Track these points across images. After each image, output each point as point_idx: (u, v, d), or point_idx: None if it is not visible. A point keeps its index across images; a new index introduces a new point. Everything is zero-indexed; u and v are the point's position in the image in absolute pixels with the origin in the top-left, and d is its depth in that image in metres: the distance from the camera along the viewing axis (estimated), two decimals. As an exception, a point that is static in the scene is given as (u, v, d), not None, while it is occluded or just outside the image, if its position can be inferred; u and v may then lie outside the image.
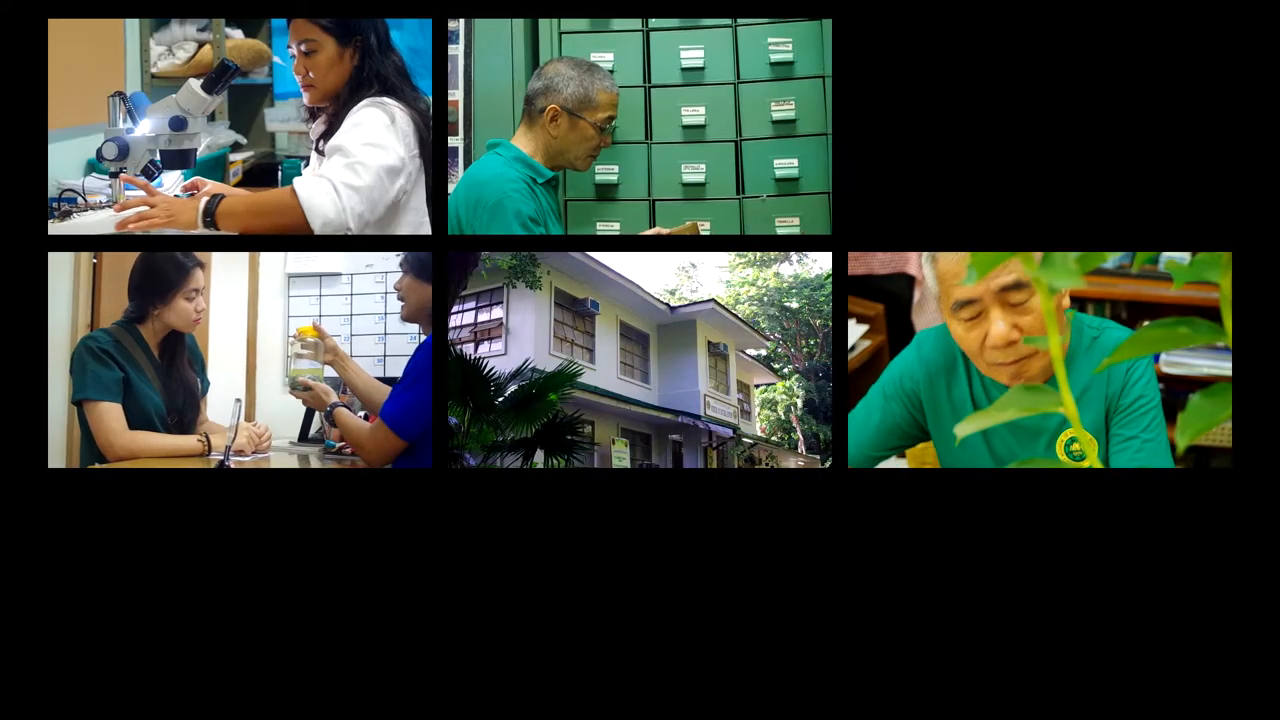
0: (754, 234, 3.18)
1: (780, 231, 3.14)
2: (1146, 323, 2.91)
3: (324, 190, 2.50)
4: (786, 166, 3.14)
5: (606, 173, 3.18)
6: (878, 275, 3.48)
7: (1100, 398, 2.17)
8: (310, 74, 2.69)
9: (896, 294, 3.51)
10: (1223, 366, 3.55)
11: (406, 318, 2.82)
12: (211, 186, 2.91)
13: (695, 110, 3.17)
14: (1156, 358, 3.07)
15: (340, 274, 4.66)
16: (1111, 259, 3.56)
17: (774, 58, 3.13)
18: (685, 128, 3.18)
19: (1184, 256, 2.88)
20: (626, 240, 3.08)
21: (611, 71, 3.01)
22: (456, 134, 3.29)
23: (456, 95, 3.29)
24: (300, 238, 2.51)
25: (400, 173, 2.60)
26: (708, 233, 3.05)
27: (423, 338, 2.84)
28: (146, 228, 2.60)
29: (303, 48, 2.68)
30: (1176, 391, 3.42)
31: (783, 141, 3.16)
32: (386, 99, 2.65)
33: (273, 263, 4.63)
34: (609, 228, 3.18)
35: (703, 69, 3.16)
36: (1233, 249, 2.40)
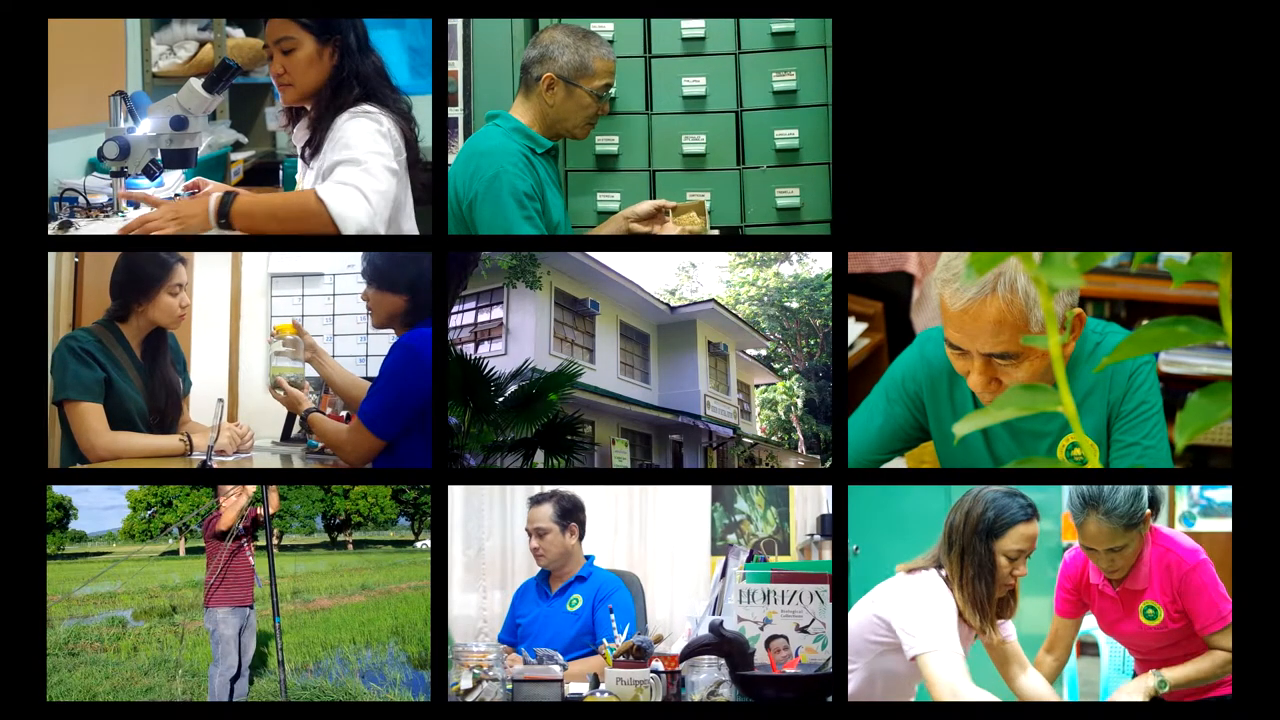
0: (754, 234, 3.18)
1: (780, 203, 3.13)
2: (1146, 321, 2.91)
3: (355, 199, 2.50)
4: (787, 137, 3.13)
5: (606, 143, 3.16)
6: (877, 273, 3.47)
7: (1102, 403, 2.16)
8: (288, 72, 2.66)
9: (895, 292, 3.49)
10: (1222, 365, 3.55)
11: (377, 325, 2.82)
12: (213, 186, 2.91)
13: (696, 80, 3.16)
14: (1156, 356, 3.07)
15: (323, 274, 4.66)
16: (1111, 258, 3.56)
17: (775, 27, 3.11)
18: (686, 98, 3.17)
19: (1183, 255, 2.88)
20: (628, 241, 3.07)
21: (611, 42, 2.98)
22: (456, 104, 3.29)
23: (456, 65, 3.28)
24: (298, 238, 2.51)
25: (397, 177, 2.61)
26: (709, 205, 3.01)
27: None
28: (153, 231, 2.58)
29: (281, 45, 2.64)
30: (1176, 390, 3.42)
31: (784, 112, 3.15)
32: (370, 107, 2.62)
33: (255, 262, 4.62)
34: (609, 198, 3.17)
35: (703, 39, 3.14)
36: (1233, 249, 2.40)
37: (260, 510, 3.21)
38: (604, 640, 2.53)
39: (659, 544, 4.05)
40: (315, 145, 2.67)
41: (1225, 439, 3.14)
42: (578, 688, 2.35)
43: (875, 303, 3.56)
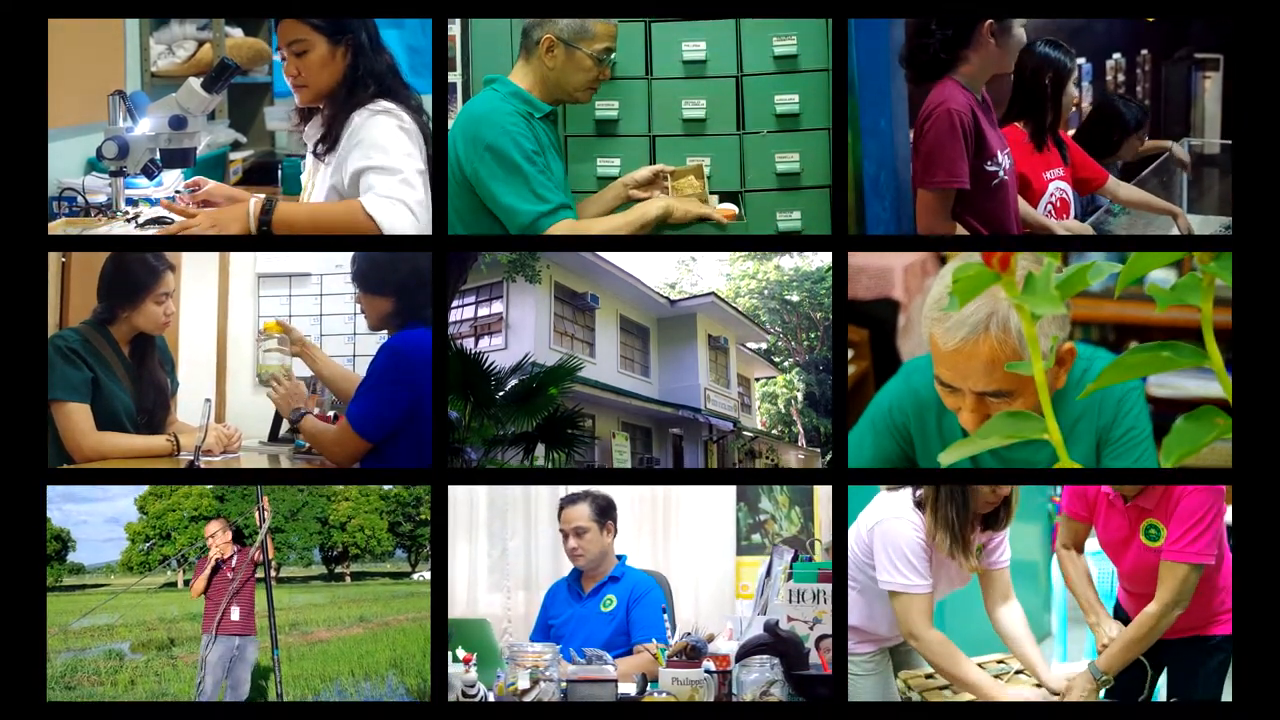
0: (756, 234, 3.17)
1: (780, 168, 3.12)
2: (1134, 344, 2.88)
3: (402, 214, 2.53)
4: (787, 102, 3.13)
5: (606, 109, 3.15)
6: (862, 300, 3.39)
7: (1091, 430, 2.13)
8: (302, 74, 2.66)
9: (881, 319, 3.42)
10: (1211, 388, 3.53)
11: (371, 328, 2.82)
12: (213, 186, 2.91)
13: (696, 45, 3.14)
14: (1144, 381, 3.05)
15: (310, 274, 4.65)
16: (1096, 281, 3.53)
17: None
18: (686, 63, 3.15)
19: (1167, 280, 2.87)
20: (628, 240, 3.07)
21: None
22: (455, 69, 3.28)
23: (454, 30, 3.27)
24: (298, 238, 2.52)
25: (425, 177, 2.63)
26: (707, 170, 2.98)
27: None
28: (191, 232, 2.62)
29: (293, 48, 2.64)
30: (1165, 414, 3.41)
31: (784, 77, 3.13)
32: (388, 104, 2.63)
33: (243, 263, 4.62)
34: (609, 164, 3.16)
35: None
36: (1233, 249, 2.40)
37: (257, 552, 3.26)
38: (654, 639, 2.52)
39: (683, 543, 4.05)
40: (331, 141, 2.67)
41: (1220, 461, 3.10)
42: (624, 688, 2.34)
43: (861, 330, 3.48)
